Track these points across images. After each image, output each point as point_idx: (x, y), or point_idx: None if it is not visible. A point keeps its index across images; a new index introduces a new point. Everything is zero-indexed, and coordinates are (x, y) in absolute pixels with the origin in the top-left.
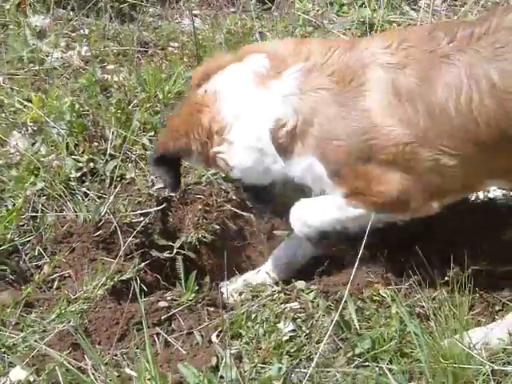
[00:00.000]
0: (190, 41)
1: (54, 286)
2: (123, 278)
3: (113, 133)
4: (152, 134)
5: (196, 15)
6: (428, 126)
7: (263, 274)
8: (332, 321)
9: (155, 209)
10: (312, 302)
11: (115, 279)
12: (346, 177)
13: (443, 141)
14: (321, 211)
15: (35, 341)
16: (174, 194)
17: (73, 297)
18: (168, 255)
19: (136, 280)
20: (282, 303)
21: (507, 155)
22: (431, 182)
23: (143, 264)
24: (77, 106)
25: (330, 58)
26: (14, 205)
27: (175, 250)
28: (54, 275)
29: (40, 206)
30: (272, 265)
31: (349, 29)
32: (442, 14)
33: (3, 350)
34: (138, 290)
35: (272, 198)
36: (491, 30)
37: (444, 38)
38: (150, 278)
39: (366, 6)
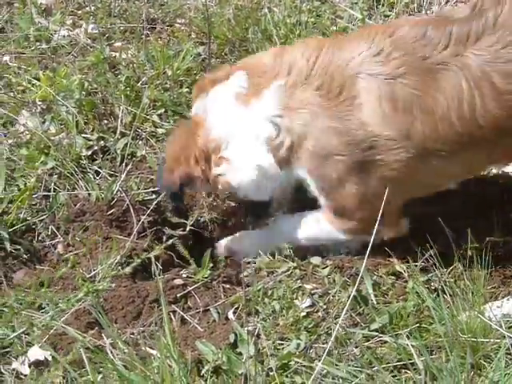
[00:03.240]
0: (197, 17)
1: (69, 265)
2: (140, 257)
3: (122, 111)
4: (162, 111)
5: None
6: (429, 137)
7: None
8: (349, 296)
9: None
10: (328, 277)
11: (132, 258)
12: (336, 195)
13: (445, 147)
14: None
15: (52, 319)
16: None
17: (87, 275)
18: (181, 233)
19: (150, 258)
20: (297, 279)
21: (505, 147)
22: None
23: (162, 245)
24: (85, 84)
25: (313, 68)
26: (26, 184)
27: (188, 228)
28: (68, 254)
29: (52, 184)
30: None
31: (355, 3)
32: None
33: (21, 329)
34: (155, 269)
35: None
36: (488, 28)
37: (438, 42)
38: (164, 255)
39: None
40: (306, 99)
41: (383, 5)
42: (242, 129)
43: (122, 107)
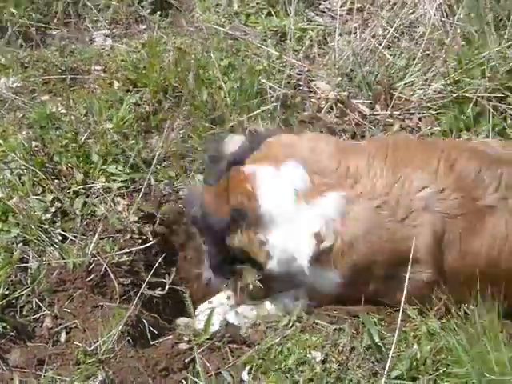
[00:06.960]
0: (117, 63)
1: (63, 339)
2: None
3: (72, 169)
4: (114, 166)
5: (107, 35)
6: (460, 270)
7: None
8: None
9: (139, 247)
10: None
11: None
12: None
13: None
14: None
15: None
16: None
17: (89, 349)
18: (161, 292)
19: (144, 323)
20: (300, 332)
21: None
22: None
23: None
24: (32, 143)
25: (375, 185)
26: None
27: (167, 287)
28: (59, 327)
29: (22, 253)
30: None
31: (264, 40)
32: (344, 18)
33: None
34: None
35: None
36: None
37: (490, 184)
38: (149, 318)
39: (272, 15)
40: (365, 215)
41: (290, 40)
42: (293, 222)
43: (70, 165)
